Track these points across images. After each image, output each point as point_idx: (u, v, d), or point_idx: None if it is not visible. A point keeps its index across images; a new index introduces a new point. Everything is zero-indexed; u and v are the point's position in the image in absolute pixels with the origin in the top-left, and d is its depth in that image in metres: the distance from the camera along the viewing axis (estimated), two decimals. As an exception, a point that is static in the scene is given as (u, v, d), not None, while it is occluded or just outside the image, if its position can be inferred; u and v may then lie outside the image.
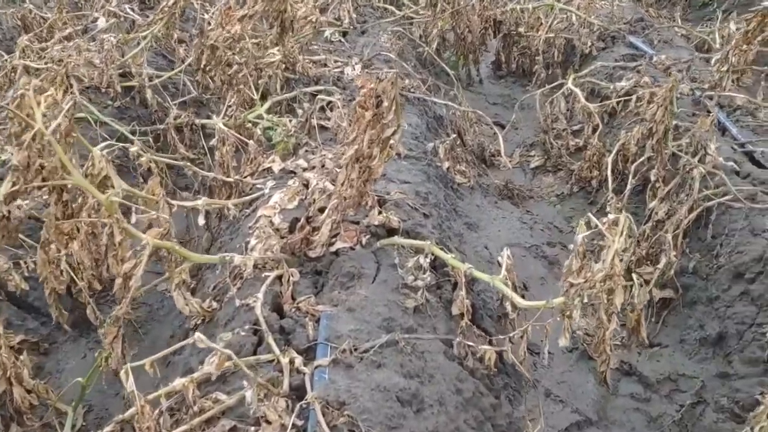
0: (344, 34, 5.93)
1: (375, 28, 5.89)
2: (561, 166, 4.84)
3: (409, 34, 6.01)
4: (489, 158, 5.02)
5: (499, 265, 2.69)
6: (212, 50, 4.20)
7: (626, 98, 4.88)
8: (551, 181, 4.75)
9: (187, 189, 4.59)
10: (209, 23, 4.44)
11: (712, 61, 4.75)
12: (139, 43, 4.94)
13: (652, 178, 3.88)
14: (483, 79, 6.55)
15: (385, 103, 2.46)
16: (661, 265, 3.29)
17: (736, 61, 4.48)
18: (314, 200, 3.05)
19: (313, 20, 4.56)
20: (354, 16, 6.16)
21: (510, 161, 4.94)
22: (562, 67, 6.01)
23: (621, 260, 2.54)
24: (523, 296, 2.70)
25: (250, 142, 3.69)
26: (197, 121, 4.46)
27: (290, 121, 3.92)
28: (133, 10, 6.26)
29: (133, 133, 4.50)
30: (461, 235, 3.70)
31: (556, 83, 5.17)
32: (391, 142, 2.59)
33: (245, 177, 3.63)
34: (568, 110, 5.24)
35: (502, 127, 5.60)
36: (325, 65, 5.03)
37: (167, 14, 4.87)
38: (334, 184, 2.91)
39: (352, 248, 2.84)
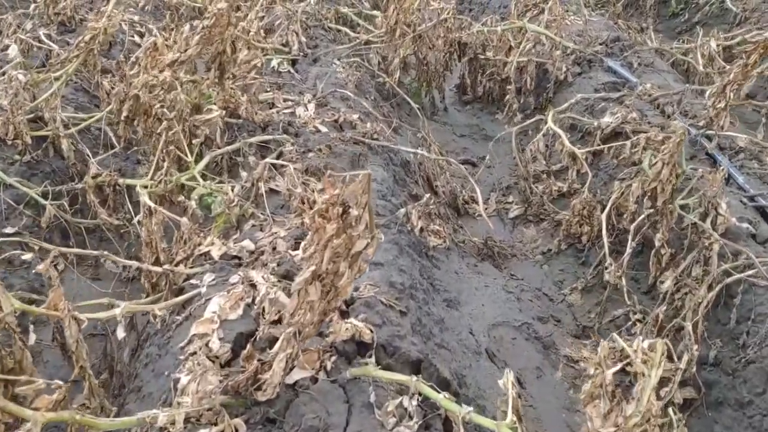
0: (294, 62, 5.27)
1: (328, 55, 5.26)
2: (544, 215, 4.30)
3: (367, 62, 5.39)
4: (463, 206, 4.45)
5: (491, 358, 2.12)
6: (136, 100, 3.51)
7: (613, 136, 4.40)
8: (534, 234, 4.20)
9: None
10: (134, 64, 3.75)
11: (706, 95, 4.26)
12: (53, 83, 4.21)
13: (657, 243, 3.37)
14: (448, 106, 5.98)
15: (355, 213, 1.85)
16: (683, 363, 2.76)
17: (733, 96, 4.00)
18: (263, 310, 2.42)
19: (258, 64, 3.89)
20: (304, 40, 5.51)
21: (486, 209, 4.38)
22: (534, 94, 5.48)
23: (659, 398, 2.00)
24: (519, 396, 2.13)
25: (183, 219, 3.03)
26: (121, 181, 3.76)
27: (232, 187, 3.27)
28: (50, 37, 5.50)
29: (45, 195, 3.79)
30: (442, 321, 3.11)
31: (532, 120, 4.63)
32: (364, 255, 1.98)
33: (177, 263, 2.97)
34: (546, 147, 4.71)
35: (473, 165, 5.05)
36: (273, 105, 4.38)
37: (84, 50, 4.14)
38: (288, 296, 2.29)
39: (314, 379, 2.22)
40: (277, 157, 3.79)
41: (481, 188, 4.64)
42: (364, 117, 4.30)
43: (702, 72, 5.35)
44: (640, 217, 3.50)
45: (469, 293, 3.49)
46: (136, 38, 6.32)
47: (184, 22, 5.42)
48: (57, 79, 4.19)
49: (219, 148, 3.80)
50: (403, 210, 3.36)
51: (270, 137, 3.87)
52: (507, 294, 3.56)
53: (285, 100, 4.41)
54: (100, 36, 4.17)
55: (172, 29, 5.61)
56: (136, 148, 4.15)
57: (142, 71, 3.57)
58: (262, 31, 5.80)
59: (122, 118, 3.60)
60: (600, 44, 5.64)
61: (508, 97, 5.18)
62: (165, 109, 3.34)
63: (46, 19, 6.05)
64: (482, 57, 5.68)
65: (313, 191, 3.26)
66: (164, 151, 3.31)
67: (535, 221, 4.29)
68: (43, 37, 5.37)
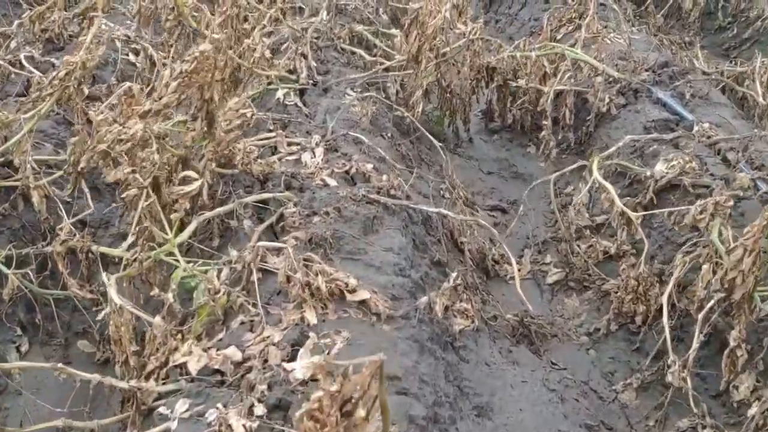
0: (302, 92, 4.69)
1: (340, 84, 4.67)
2: (588, 282, 3.70)
3: (384, 91, 4.81)
4: (492, 267, 3.86)
5: None
6: (104, 157, 2.96)
7: (668, 187, 3.79)
8: (577, 305, 3.61)
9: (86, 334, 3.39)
10: (105, 110, 3.19)
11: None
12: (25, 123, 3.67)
13: (732, 342, 2.76)
14: (473, 135, 5.37)
15: (361, 412, 1.27)
16: None
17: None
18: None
19: (248, 115, 3.31)
20: (314, 64, 4.93)
21: (520, 270, 3.78)
22: (573, 129, 4.86)
23: None
24: None
25: (156, 319, 2.47)
26: (94, 248, 3.22)
27: (219, 271, 2.71)
28: (32, 59, 4.98)
29: (9, 260, 3.27)
30: (471, 441, 2.54)
31: (573, 166, 4.02)
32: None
33: (149, 374, 2.42)
34: (589, 194, 4.11)
35: (504, 212, 4.45)
36: (275, 150, 3.81)
37: (59, 88, 3.60)
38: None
39: None
40: (277, 221, 3.23)
41: (513, 242, 4.07)
42: (379, 165, 3.72)
43: (764, 105, 4.71)
44: (710, 304, 2.90)
45: (503, 394, 2.91)
46: (131, 57, 5.80)
47: (184, 39, 4.87)
48: (31, 117, 3.65)
49: (207, 208, 3.25)
50: (425, 299, 2.78)
51: (269, 195, 3.31)
52: (549, 393, 2.97)
53: (289, 144, 3.83)
54: (77, 71, 3.62)
55: (171, 46, 5.08)
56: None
57: (112, 121, 3.02)
58: (267, 51, 5.25)
59: (78, 170, 3.06)
60: (646, 70, 5.00)
61: (543, 133, 4.57)
62: (137, 175, 2.78)
63: (31, 37, 5.53)
64: (513, 84, 5.06)
65: (317, 274, 2.69)
66: (138, 224, 2.76)
67: (577, 289, 3.70)
68: (24, 61, 4.85)
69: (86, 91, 4.09)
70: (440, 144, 5.10)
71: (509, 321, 3.37)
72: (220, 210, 3.21)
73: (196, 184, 2.83)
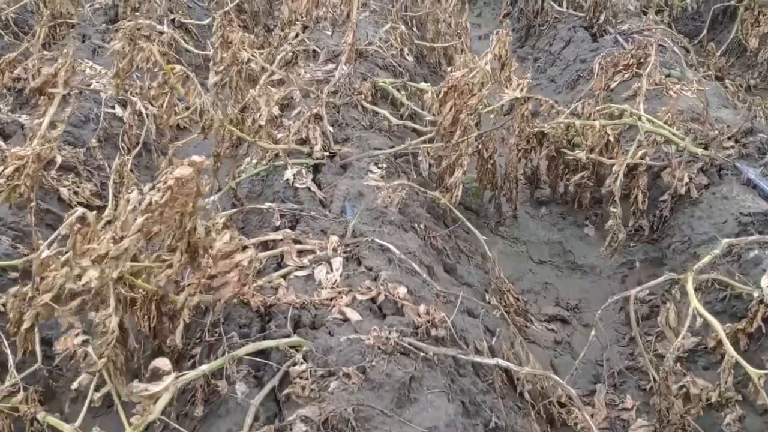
0: (316, 168, 3.89)
1: (362, 160, 3.85)
2: (685, 441, 2.85)
3: (413, 165, 4.00)
4: (557, 414, 3.02)
5: None
6: (50, 314, 2.16)
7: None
8: (673, 476, 2.76)
9: None
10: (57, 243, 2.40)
11: None
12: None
13: None
14: (517, 206, 4.52)
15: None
16: None
17: None
18: None
19: (246, 263, 2.49)
20: (330, 130, 4.12)
21: (593, 416, 2.94)
22: (646, 215, 4.01)
23: None
24: None
25: None
26: (41, 416, 2.42)
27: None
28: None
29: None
30: None
31: (660, 280, 3.17)
32: None
33: None
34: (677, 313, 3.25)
35: (564, 322, 3.62)
36: (282, 263, 2.99)
37: (6, 190, 2.81)
38: None
39: None
40: (281, 382, 2.41)
41: (580, 367, 3.23)
42: (414, 284, 2.89)
43: None
44: None
45: None
46: (117, 109, 5.03)
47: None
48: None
49: (187, 359, 2.44)
50: None
51: (271, 343, 2.49)
52: None
53: (300, 253, 3.01)
54: (30, 167, 2.83)
55: (166, 94, 4.26)
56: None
57: (63, 257, 2.22)
58: (276, 108, 4.46)
59: (23, 329, 2.26)
60: (728, 138, 4.15)
61: (611, 223, 3.72)
62: (89, 348, 1.98)
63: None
64: (570, 156, 4.22)
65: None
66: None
67: (671, 451, 2.84)
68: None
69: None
70: (479, 220, 4.34)
71: None
72: (204, 368, 2.38)
73: (167, 381, 2.01)
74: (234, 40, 3.84)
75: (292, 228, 3.30)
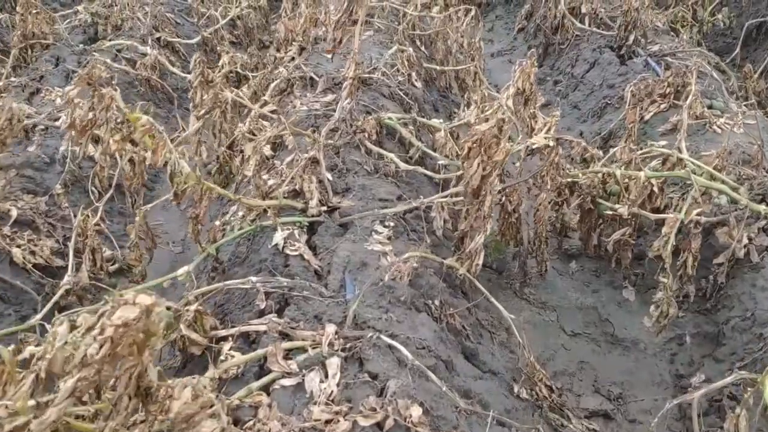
0: (311, 226, 3.30)
1: (365, 218, 3.26)
2: None
3: (426, 223, 3.41)
4: None
5: None
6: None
7: None
8: None
9: None
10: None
11: None
12: None
13: None
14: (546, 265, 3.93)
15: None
16: None
17: None
18: None
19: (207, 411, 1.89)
20: (329, 178, 3.54)
21: None
22: (696, 280, 3.42)
23: None
24: None
25: None
26: None
27: None
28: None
29: None
30: None
31: (727, 380, 2.57)
32: None
33: None
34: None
35: (607, 417, 3.02)
36: (263, 365, 2.40)
37: None
38: None
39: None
40: None
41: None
42: (431, 403, 2.30)
43: None
44: None
45: None
46: (90, 148, 4.43)
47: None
48: None
49: None
50: None
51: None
52: None
53: (287, 354, 2.43)
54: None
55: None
56: None
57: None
58: (267, 148, 3.91)
59: None
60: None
61: (660, 296, 3.12)
62: None
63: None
64: (603, 203, 3.63)
65: None
66: None
67: None
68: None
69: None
70: (501, 279, 3.76)
71: None
72: None
73: None
74: (215, 79, 3.26)
75: (280, 312, 2.72)
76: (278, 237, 3.11)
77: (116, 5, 6.16)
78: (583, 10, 6.33)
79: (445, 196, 3.31)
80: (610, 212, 3.51)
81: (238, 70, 5.86)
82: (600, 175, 3.51)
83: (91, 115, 2.85)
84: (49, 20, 5.73)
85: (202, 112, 3.18)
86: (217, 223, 3.54)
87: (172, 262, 4.10)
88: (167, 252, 4.15)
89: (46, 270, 3.56)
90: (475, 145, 2.82)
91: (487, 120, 2.92)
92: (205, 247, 3.11)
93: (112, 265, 3.87)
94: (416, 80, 5.28)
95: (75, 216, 3.89)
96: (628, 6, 5.45)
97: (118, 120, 2.83)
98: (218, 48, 6.20)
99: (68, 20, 6.14)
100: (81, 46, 5.64)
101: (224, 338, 2.61)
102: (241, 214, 3.56)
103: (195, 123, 3.17)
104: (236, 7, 6.94)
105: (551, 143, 3.23)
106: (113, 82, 3.90)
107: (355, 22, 3.94)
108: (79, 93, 2.91)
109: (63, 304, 3.39)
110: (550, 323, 3.58)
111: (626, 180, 3.44)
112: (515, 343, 3.16)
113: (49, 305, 3.17)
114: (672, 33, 6.33)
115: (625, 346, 3.43)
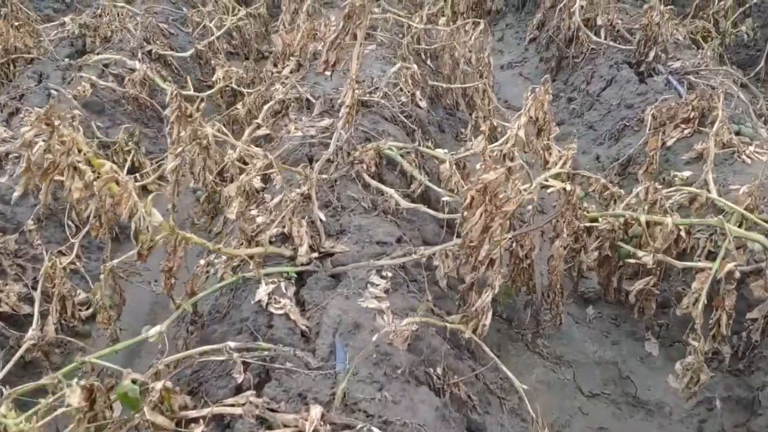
0: (300, 277, 2.97)
1: (361, 269, 2.93)
2: None
3: (426, 270, 3.08)
4: None
5: None
6: None
7: None
8: None
9: None
10: None
11: None
12: None
13: None
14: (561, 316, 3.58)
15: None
16: None
17: None
18: None
19: None
20: (321, 217, 3.21)
21: None
22: (728, 340, 3.06)
23: None
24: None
25: None
26: None
27: None
28: None
29: None
30: None
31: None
32: None
33: None
34: None
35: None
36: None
37: None
38: None
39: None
40: None
41: None
42: None
43: None
44: None
45: None
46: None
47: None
48: None
49: None
50: None
51: None
52: None
53: (265, 443, 2.10)
54: None
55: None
56: None
57: None
58: (257, 180, 3.60)
59: None
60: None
61: (691, 359, 2.77)
62: None
63: None
64: (624, 247, 3.29)
65: None
66: None
67: None
68: None
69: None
70: (511, 330, 3.43)
71: None
72: None
73: None
74: (194, 113, 2.92)
75: (260, 386, 2.39)
76: (262, 292, 2.78)
77: (106, 15, 5.83)
78: (599, 22, 5.96)
79: (447, 246, 2.96)
80: (633, 260, 3.16)
81: (233, 85, 5.55)
82: (624, 225, 3.15)
83: (50, 158, 2.52)
84: (33, 33, 5.42)
85: (179, 149, 2.85)
86: (202, 262, 3.22)
87: (153, 303, 3.79)
88: (148, 292, 3.83)
89: (12, 319, 3.25)
90: (478, 194, 2.48)
91: (494, 162, 2.58)
92: (180, 303, 2.78)
93: (87, 308, 3.56)
94: (420, 99, 4.94)
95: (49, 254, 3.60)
96: (648, 20, 5.08)
97: (81, 164, 2.50)
98: (213, 61, 5.86)
99: (56, 31, 5.82)
100: (67, 60, 5.32)
101: (195, 420, 2.30)
102: (225, 257, 3.24)
103: (172, 161, 2.85)
104: (233, 16, 6.61)
105: (568, 186, 2.88)
106: (73, 120, 3.62)
107: (355, 36, 3.62)
108: (37, 133, 2.58)
109: (28, 359, 3.09)
110: (565, 383, 3.24)
111: (650, 228, 3.09)
112: (528, 410, 2.82)
113: (10, 363, 2.85)
114: (694, 46, 5.96)
115: (648, 410, 3.09)
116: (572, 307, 3.69)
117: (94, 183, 2.39)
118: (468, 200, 2.51)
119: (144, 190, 4.40)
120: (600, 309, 3.66)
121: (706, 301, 2.84)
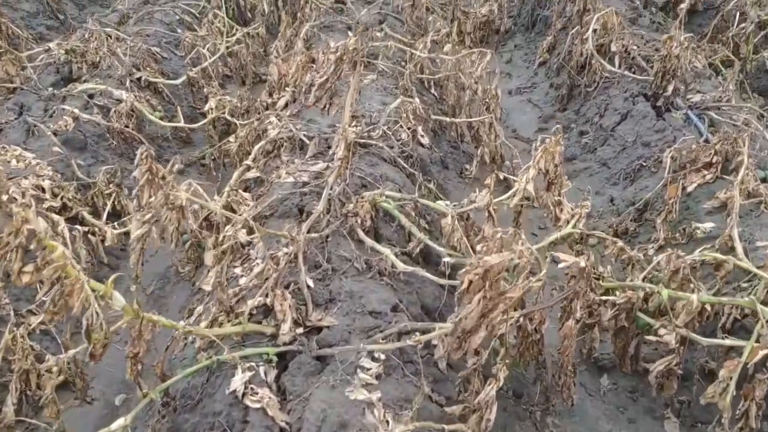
0: (281, 359, 2.67)
1: (353, 337, 2.63)
2: None
3: (425, 351, 2.77)
4: None
5: None
6: None
7: None
8: None
9: None
10: None
11: None
12: None
13: None
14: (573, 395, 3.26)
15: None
16: None
17: None
18: None
19: None
20: (309, 284, 2.92)
21: None
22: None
23: None
24: None
25: None
26: None
27: None
28: None
29: None
30: None
31: None
32: None
33: None
34: None
35: None
36: None
37: None
38: None
39: None
40: None
41: None
42: None
43: None
44: None
45: None
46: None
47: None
48: None
49: None
50: None
51: None
52: None
53: None
54: None
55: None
56: None
57: None
58: (242, 233, 3.30)
59: None
60: None
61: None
62: None
63: None
64: (644, 323, 2.98)
65: None
66: None
67: None
68: None
69: None
70: (519, 406, 3.12)
71: None
72: None
73: None
74: (166, 174, 2.63)
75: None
76: (237, 381, 2.48)
77: (94, 40, 5.56)
78: (613, 49, 5.65)
79: (447, 328, 2.65)
80: (654, 338, 2.84)
81: (226, 116, 5.27)
82: (644, 297, 2.84)
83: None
84: (16, 60, 5.16)
85: (147, 216, 2.56)
86: (182, 322, 2.92)
87: (129, 367, 3.48)
88: (123, 355, 3.52)
89: (-32, 392, 2.96)
90: (477, 278, 2.18)
91: (497, 245, 2.28)
92: (147, 393, 2.48)
93: (58, 376, 3.26)
94: (422, 136, 4.64)
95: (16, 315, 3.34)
96: (667, 51, 4.75)
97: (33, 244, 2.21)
98: (206, 89, 5.58)
99: (41, 57, 5.55)
100: (50, 90, 5.04)
101: None
102: (203, 324, 2.94)
103: (137, 229, 2.56)
104: (227, 40, 6.33)
105: (582, 263, 2.57)
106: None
107: (354, 65, 3.32)
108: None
109: (-15, 443, 2.81)
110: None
111: (674, 304, 2.77)
112: None
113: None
114: (713, 75, 5.63)
115: None
116: (585, 375, 3.37)
117: (43, 271, 2.10)
118: (466, 284, 2.21)
119: (126, 236, 4.15)
120: (615, 379, 3.34)
121: (735, 392, 2.53)
